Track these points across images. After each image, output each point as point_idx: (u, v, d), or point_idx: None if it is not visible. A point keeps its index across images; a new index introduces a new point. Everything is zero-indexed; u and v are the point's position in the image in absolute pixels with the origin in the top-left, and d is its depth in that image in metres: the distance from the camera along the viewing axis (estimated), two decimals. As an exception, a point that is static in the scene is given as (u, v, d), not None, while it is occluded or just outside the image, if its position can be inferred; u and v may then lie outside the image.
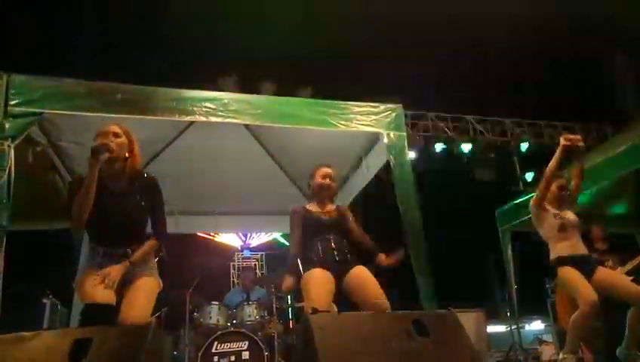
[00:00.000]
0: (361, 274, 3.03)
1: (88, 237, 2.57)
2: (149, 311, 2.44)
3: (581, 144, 3.58)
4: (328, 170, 3.35)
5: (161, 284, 2.63)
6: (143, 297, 2.43)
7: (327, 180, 3.29)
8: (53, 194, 5.16)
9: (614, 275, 3.53)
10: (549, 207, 3.77)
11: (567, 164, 3.88)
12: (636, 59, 9.87)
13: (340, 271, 3.03)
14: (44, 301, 4.93)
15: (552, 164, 3.66)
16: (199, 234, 10.83)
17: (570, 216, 3.69)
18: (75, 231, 2.40)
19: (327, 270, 2.98)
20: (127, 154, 2.50)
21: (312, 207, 3.32)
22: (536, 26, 11.83)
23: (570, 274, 3.50)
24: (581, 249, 3.61)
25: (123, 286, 2.43)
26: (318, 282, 2.93)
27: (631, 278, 4.98)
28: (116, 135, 2.47)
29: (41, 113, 3.84)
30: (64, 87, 3.95)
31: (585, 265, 3.52)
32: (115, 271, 2.38)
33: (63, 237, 5.90)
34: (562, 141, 3.60)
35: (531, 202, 3.86)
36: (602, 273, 3.51)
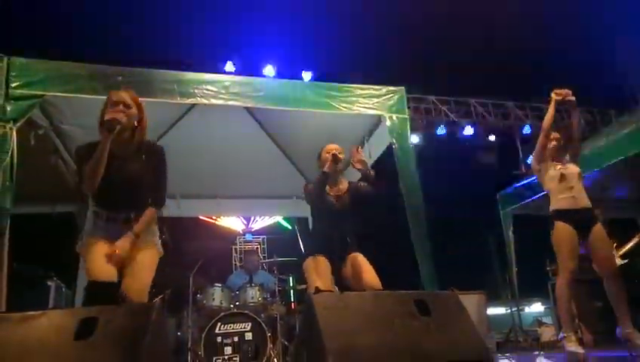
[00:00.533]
0: (357, 262, 3.16)
1: (92, 202, 2.60)
2: (149, 281, 2.53)
3: (571, 98, 3.71)
4: (332, 145, 3.34)
5: (162, 251, 2.69)
6: (145, 267, 2.52)
7: (333, 151, 3.25)
8: (55, 176, 5.17)
9: (601, 242, 3.51)
10: (549, 161, 3.81)
11: (561, 122, 3.96)
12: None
13: (339, 260, 3.21)
14: (49, 283, 4.98)
15: (547, 117, 3.80)
16: (201, 217, 10.89)
17: (572, 167, 3.72)
18: (81, 192, 2.49)
19: (328, 258, 3.16)
20: (135, 123, 2.56)
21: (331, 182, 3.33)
22: (537, 10, 11.69)
23: (561, 234, 3.54)
24: (582, 201, 3.60)
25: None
26: (320, 267, 3.11)
27: (626, 260, 5.02)
28: (127, 105, 2.52)
29: (43, 96, 3.84)
30: (65, 69, 3.94)
31: (583, 221, 3.53)
32: (122, 247, 2.43)
33: (67, 221, 5.94)
34: (553, 96, 3.76)
35: (532, 159, 3.94)
36: (595, 235, 3.52)
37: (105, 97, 3.84)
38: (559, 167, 3.72)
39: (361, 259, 3.19)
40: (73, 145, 4.92)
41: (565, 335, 3.48)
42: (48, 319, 1.78)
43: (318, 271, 3.07)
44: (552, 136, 3.83)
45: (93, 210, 2.56)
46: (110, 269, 2.35)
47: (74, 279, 5.48)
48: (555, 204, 3.68)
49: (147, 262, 2.56)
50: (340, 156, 3.25)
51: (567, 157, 3.84)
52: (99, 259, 2.36)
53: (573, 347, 3.39)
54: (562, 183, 3.64)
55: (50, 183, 5.32)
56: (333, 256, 3.20)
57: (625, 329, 3.37)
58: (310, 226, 3.40)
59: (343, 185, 3.37)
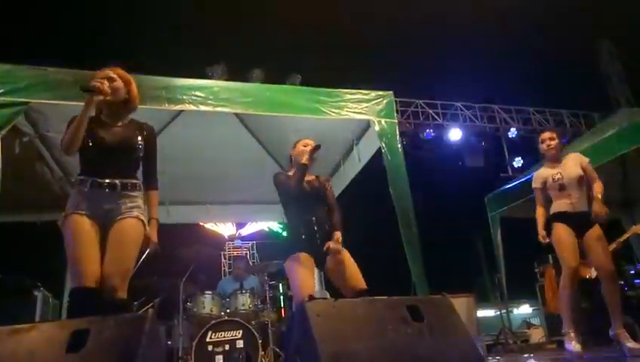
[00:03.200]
0: (339, 258, 3.09)
1: (78, 172, 2.57)
2: (134, 255, 2.47)
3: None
4: (309, 140, 3.33)
5: (147, 227, 2.60)
6: (128, 242, 2.45)
7: (309, 148, 3.23)
8: (41, 184, 5.10)
9: (596, 242, 3.52)
10: (546, 168, 3.81)
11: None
12: (622, 47, 9.95)
13: (322, 257, 3.11)
14: (36, 293, 4.88)
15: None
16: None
17: (570, 170, 3.67)
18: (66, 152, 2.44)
19: (310, 254, 3.07)
20: (125, 96, 2.60)
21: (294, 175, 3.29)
22: (523, 14, 11.87)
23: (560, 235, 3.57)
24: (581, 205, 3.60)
25: (110, 223, 2.45)
26: (301, 268, 3.02)
27: None
28: (111, 79, 2.54)
29: (27, 103, 3.78)
30: (50, 76, 3.89)
31: (579, 223, 3.55)
32: (152, 236, 2.58)
33: (53, 229, 5.84)
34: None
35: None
36: (591, 235, 3.53)
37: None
38: (557, 176, 3.70)
39: (345, 257, 3.11)
40: (59, 152, 4.87)
41: (566, 332, 3.53)
42: (39, 331, 1.75)
43: (302, 274, 3.00)
44: (547, 136, 3.83)
45: (79, 179, 2.51)
46: (93, 268, 2.31)
47: (61, 289, 5.39)
48: (554, 208, 3.72)
49: (131, 234, 2.48)
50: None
51: (568, 156, 3.82)
52: (81, 254, 2.34)
53: (572, 345, 3.45)
54: (562, 192, 3.67)
55: (35, 191, 5.25)
56: (316, 250, 3.08)
57: (615, 329, 3.41)
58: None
59: (310, 176, 3.34)
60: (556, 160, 3.79)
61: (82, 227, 2.38)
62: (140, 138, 2.62)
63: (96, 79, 2.47)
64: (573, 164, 3.72)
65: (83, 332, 1.72)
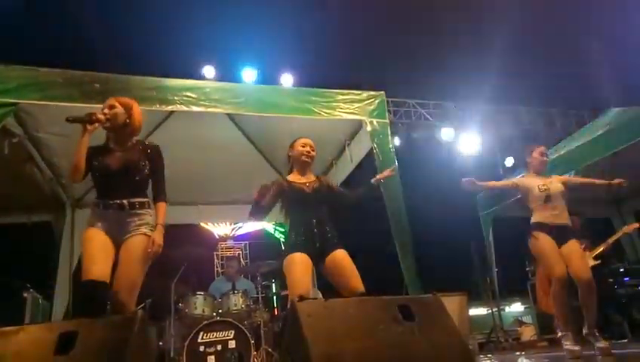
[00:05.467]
0: (337, 258, 3.07)
1: (94, 197, 2.81)
2: (141, 270, 2.67)
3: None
4: (307, 140, 3.35)
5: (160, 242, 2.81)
6: (136, 258, 2.64)
7: (307, 148, 3.28)
8: (31, 185, 5.06)
9: (575, 253, 3.61)
10: (531, 177, 3.89)
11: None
12: (613, 47, 10.04)
13: (319, 255, 3.08)
14: (25, 295, 4.85)
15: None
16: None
17: (556, 185, 3.78)
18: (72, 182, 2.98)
19: (307, 253, 3.03)
20: (126, 120, 2.81)
21: (294, 178, 3.28)
22: (514, 13, 11.93)
23: (544, 245, 3.65)
24: (563, 218, 3.72)
25: (121, 240, 2.68)
26: (299, 268, 2.99)
27: (598, 262, 5.14)
28: (111, 107, 2.79)
29: (17, 103, 3.75)
30: (40, 76, 3.86)
31: (559, 235, 3.66)
32: (157, 240, 2.70)
33: (43, 230, 5.81)
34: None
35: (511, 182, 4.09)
36: (569, 247, 3.63)
37: (81, 105, 3.85)
38: (544, 187, 3.76)
39: (343, 257, 3.09)
40: (49, 153, 4.84)
41: (563, 334, 3.65)
42: (27, 334, 1.73)
43: (298, 274, 2.97)
44: (539, 151, 3.91)
45: (94, 202, 2.78)
46: (103, 268, 2.52)
47: (51, 290, 5.35)
48: (536, 217, 3.79)
49: (139, 251, 2.66)
50: (313, 153, 3.32)
51: (554, 175, 3.94)
52: (93, 255, 2.54)
53: (570, 345, 3.57)
54: (547, 204, 3.74)
55: (26, 192, 5.20)
56: (313, 250, 3.05)
57: (587, 329, 3.57)
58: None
59: (311, 177, 3.31)
60: (542, 174, 3.90)
61: (97, 236, 2.63)
62: (143, 158, 2.83)
63: (98, 111, 2.73)
64: (557, 181, 3.85)
65: (71, 334, 1.71)
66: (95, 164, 2.73)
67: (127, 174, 2.75)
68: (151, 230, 2.74)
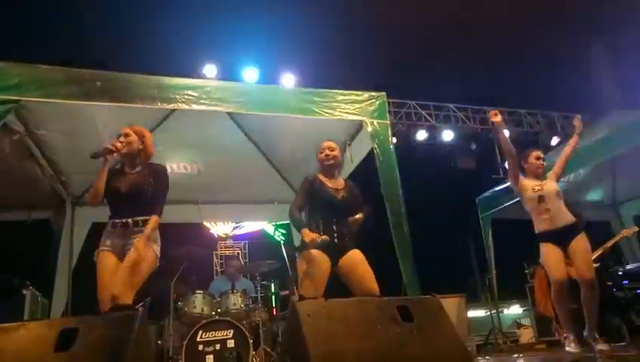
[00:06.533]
0: (354, 259, 3.10)
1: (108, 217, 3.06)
2: (137, 277, 2.82)
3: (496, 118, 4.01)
4: (329, 143, 3.44)
5: (158, 254, 3.03)
6: (128, 266, 2.80)
7: (327, 151, 3.37)
8: (31, 183, 5.06)
9: (579, 253, 3.63)
10: (527, 180, 3.91)
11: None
12: (613, 51, 10.06)
13: (336, 255, 3.10)
14: (24, 292, 4.84)
15: (502, 143, 4.02)
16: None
17: (549, 185, 3.81)
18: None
19: (325, 252, 3.03)
20: (140, 146, 3.13)
21: (324, 178, 3.34)
22: (515, 16, 11.95)
23: (547, 254, 3.72)
24: (560, 220, 3.72)
25: (124, 253, 2.88)
26: (315, 267, 2.99)
27: (597, 265, 5.15)
28: (126, 135, 3.11)
29: (18, 101, 3.74)
30: (42, 73, 3.85)
31: (563, 237, 3.68)
32: (136, 246, 2.81)
33: (43, 228, 5.81)
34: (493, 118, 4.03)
35: (509, 178, 4.10)
36: (575, 244, 3.65)
37: (83, 102, 3.88)
38: (537, 188, 3.80)
39: (360, 259, 3.11)
40: (50, 151, 4.84)
41: (565, 336, 3.72)
42: (27, 330, 1.74)
43: (313, 272, 2.98)
44: (535, 155, 3.94)
45: (108, 223, 3.04)
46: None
47: (51, 288, 5.35)
48: (536, 226, 3.84)
49: (132, 255, 2.82)
50: (333, 154, 3.37)
51: (548, 174, 3.94)
52: (101, 287, 2.79)
53: (572, 347, 3.63)
54: (540, 204, 3.77)
55: (25, 190, 5.20)
56: (331, 250, 3.07)
57: (588, 332, 3.60)
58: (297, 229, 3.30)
59: (340, 182, 3.38)
60: (539, 177, 3.92)
61: (105, 260, 2.89)
62: (150, 179, 3.08)
63: (115, 139, 3.05)
64: (550, 181, 3.88)
65: (71, 331, 1.71)
66: (108, 186, 3.01)
67: (133, 196, 3.00)
68: (153, 243, 2.97)
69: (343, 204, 3.26)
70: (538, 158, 3.92)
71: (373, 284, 3.01)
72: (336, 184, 3.35)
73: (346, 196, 3.30)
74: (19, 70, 3.79)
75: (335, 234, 3.12)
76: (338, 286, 3.12)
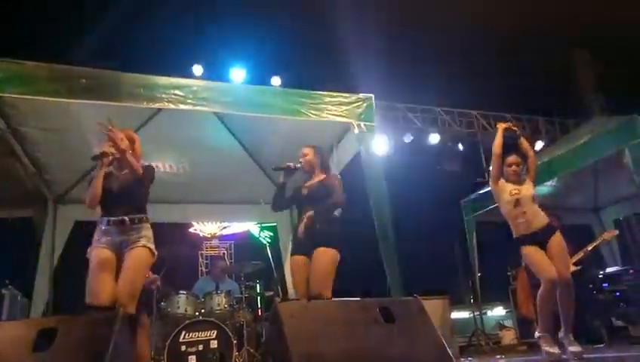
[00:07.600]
0: (314, 258, 3.20)
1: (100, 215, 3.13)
2: (136, 279, 2.93)
3: (514, 128, 4.20)
4: (303, 149, 3.68)
5: (155, 253, 3.10)
6: (135, 272, 2.93)
7: (299, 159, 3.63)
8: (13, 181, 4.99)
9: (556, 253, 3.69)
10: (506, 184, 3.97)
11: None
12: (598, 56, 10.22)
13: (308, 253, 3.26)
14: (3, 291, 4.77)
15: (495, 143, 4.10)
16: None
17: (525, 190, 3.89)
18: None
19: (302, 254, 3.28)
20: (130, 149, 3.18)
21: (305, 180, 3.63)
22: (500, 21, 12.10)
23: (531, 255, 3.76)
24: (536, 223, 3.79)
25: (122, 253, 2.97)
26: (294, 269, 3.30)
27: (579, 268, 5.24)
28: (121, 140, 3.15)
29: (1, 97, 3.69)
30: (25, 70, 3.79)
31: (540, 239, 3.75)
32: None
33: (24, 226, 5.72)
34: (499, 125, 4.21)
35: (490, 180, 4.16)
36: (551, 244, 3.72)
37: (68, 100, 3.84)
38: (514, 191, 3.87)
39: (317, 257, 3.17)
40: (33, 148, 4.78)
41: (541, 335, 3.72)
42: (4, 330, 1.72)
43: (294, 275, 3.28)
44: (511, 160, 3.99)
45: (100, 220, 3.10)
46: (105, 291, 2.79)
47: (31, 287, 5.27)
48: (515, 231, 3.90)
49: (138, 261, 2.96)
50: (303, 159, 3.62)
51: (524, 178, 4.00)
52: (95, 280, 2.83)
53: (548, 347, 3.66)
54: (517, 208, 3.84)
55: (7, 187, 5.13)
56: (304, 253, 3.27)
57: (563, 333, 3.63)
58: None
59: (319, 177, 3.55)
60: (517, 182, 3.97)
61: (100, 256, 2.94)
62: (136, 180, 3.14)
63: (106, 142, 3.08)
64: (528, 185, 3.94)
65: (51, 331, 1.69)
66: (102, 188, 3.10)
67: (125, 195, 3.10)
68: (149, 241, 3.05)
69: (309, 194, 3.46)
70: (510, 165, 3.97)
71: (318, 286, 3.03)
72: (311, 182, 3.55)
73: (307, 193, 3.48)
74: (3, 66, 3.72)
75: (304, 234, 3.25)
76: (338, 286, 3.17)
